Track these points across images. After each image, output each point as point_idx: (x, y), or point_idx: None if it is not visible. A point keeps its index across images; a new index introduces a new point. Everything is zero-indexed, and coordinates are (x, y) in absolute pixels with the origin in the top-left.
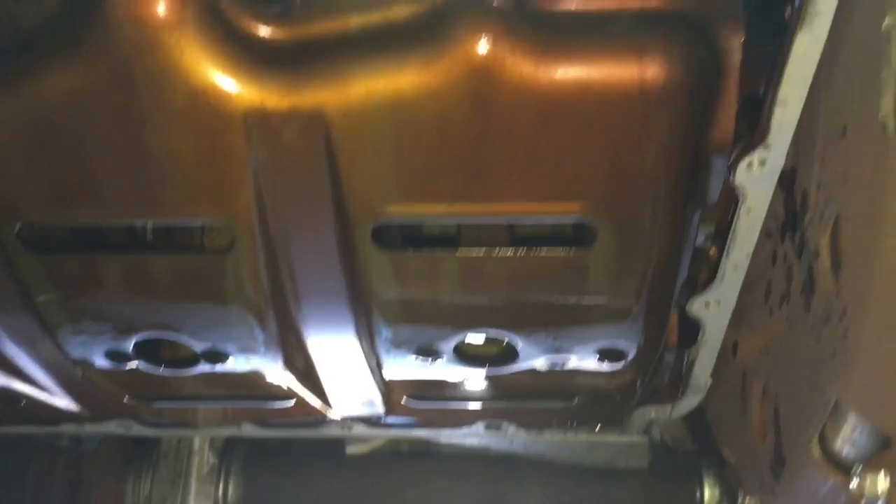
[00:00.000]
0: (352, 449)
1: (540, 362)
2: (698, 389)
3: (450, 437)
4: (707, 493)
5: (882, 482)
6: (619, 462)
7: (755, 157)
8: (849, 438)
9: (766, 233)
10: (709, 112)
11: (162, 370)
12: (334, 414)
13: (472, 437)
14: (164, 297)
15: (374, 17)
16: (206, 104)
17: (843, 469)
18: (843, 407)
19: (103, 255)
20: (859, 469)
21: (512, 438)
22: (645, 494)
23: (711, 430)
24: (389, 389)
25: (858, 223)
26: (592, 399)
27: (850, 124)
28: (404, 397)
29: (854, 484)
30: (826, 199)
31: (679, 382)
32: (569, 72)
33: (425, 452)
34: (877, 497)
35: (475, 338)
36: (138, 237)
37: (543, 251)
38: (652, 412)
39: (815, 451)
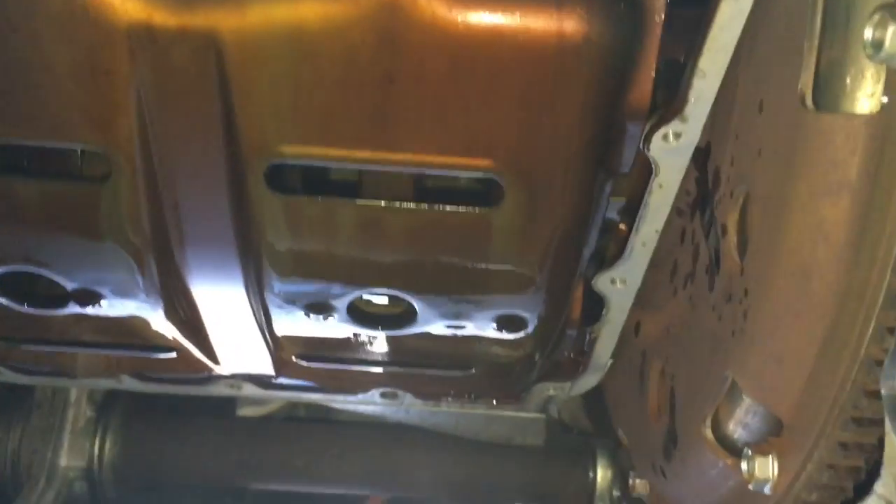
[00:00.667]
0: (245, 411)
1: (438, 327)
2: (598, 368)
3: (347, 404)
4: (600, 473)
5: (771, 466)
6: (515, 438)
7: (671, 128)
8: (741, 421)
9: (676, 211)
10: (626, 72)
11: (26, 308)
12: (221, 370)
13: (367, 404)
14: (31, 227)
15: None
16: (86, 15)
17: (735, 452)
18: (738, 388)
19: None
20: (749, 453)
21: (408, 408)
22: (538, 472)
23: (609, 411)
24: (279, 347)
25: (767, 201)
26: (490, 370)
27: (767, 98)
28: (294, 356)
29: (744, 467)
30: (738, 175)
31: (580, 360)
32: (484, 16)
33: (321, 419)
34: (766, 481)
35: (375, 298)
36: (6, 158)
37: (447, 208)
38: (550, 389)
39: (708, 432)
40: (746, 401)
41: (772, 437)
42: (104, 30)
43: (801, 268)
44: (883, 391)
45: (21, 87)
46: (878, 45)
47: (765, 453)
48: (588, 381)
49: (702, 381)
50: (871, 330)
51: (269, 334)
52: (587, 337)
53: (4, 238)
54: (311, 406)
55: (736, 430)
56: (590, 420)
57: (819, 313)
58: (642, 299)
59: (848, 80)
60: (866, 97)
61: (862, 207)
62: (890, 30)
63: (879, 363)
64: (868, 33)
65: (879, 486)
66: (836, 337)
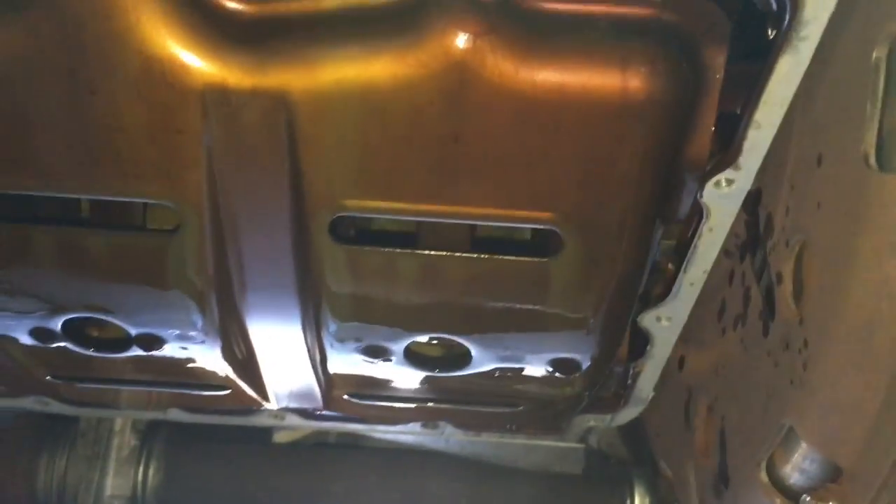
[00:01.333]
0: (279, 437)
1: (491, 368)
2: (640, 401)
3: (388, 433)
4: (637, 502)
5: None
6: (553, 466)
7: (724, 176)
8: (799, 466)
9: (724, 252)
10: (686, 129)
11: (91, 352)
12: (269, 405)
13: (407, 434)
14: (98, 277)
15: (352, 1)
16: (163, 76)
17: (790, 496)
18: (795, 434)
19: (35, 227)
20: (808, 499)
21: (448, 438)
22: (576, 500)
23: (648, 442)
24: (331, 385)
25: (827, 254)
26: (538, 406)
27: (826, 153)
28: (345, 394)
29: None
30: (793, 226)
31: (622, 393)
32: (550, 75)
33: (354, 445)
34: None
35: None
36: (76, 210)
37: (507, 258)
38: (591, 420)
39: (763, 475)
40: (804, 447)
41: (830, 483)
42: (179, 92)
43: (864, 323)
44: None
45: (98, 145)
46: None
47: (824, 500)
48: (629, 413)
49: (757, 423)
50: None
51: (323, 373)
52: (630, 371)
53: (72, 287)
54: (341, 432)
55: (792, 474)
56: (627, 449)
57: (882, 367)
58: (687, 336)
59: None
60: None
61: None
62: None
63: None
64: None
65: None
66: None
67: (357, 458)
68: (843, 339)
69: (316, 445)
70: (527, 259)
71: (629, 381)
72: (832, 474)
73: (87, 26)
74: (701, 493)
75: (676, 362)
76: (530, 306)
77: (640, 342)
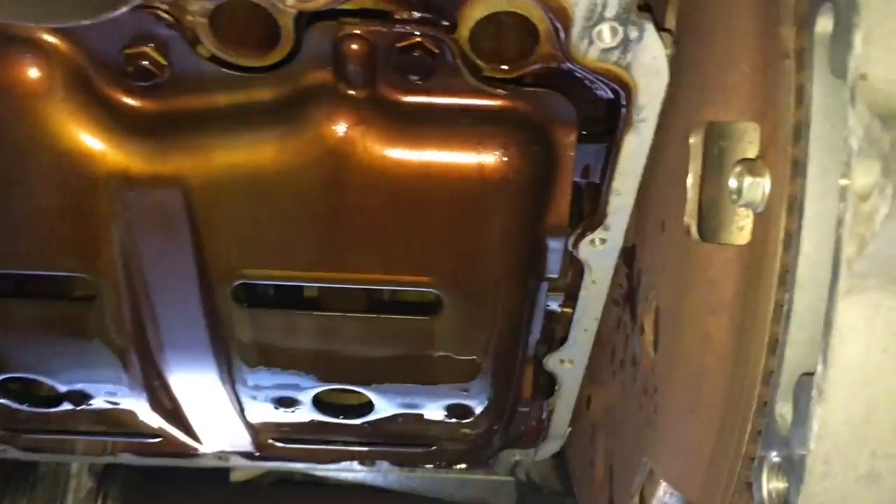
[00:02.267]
0: (237, 475)
1: (393, 414)
2: (558, 436)
3: (330, 471)
4: None
5: None
6: (488, 499)
7: (597, 235)
8: (661, 500)
9: (613, 301)
10: (544, 199)
11: (26, 408)
12: (206, 449)
13: (348, 472)
14: (28, 340)
15: (239, 96)
16: (72, 167)
17: None
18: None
19: None
20: None
21: (385, 475)
22: None
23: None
24: (256, 431)
25: (668, 311)
26: (452, 445)
27: (667, 221)
28: (271, 439)
29: None
30: (649, 282)
31: (541, 428)
32: (416, 157)
33: (312, 482)
34: None
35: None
36: (5, 281)
37: (394, 317)
38: (516, 454)
39: None
40: (663, 484)
41: None
42: (88, 179)
43: (694, 373)
44: (753, 490)
45: (18, 227)
46: (738, 192)
47: None
48: (550, 447)
49: (629, 461)
50: (748, 431)
51: (245, 421)
52: (545, 408)
53: (3, 349)
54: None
55: None
56: (560, 481)
57: (711, 414)
58: (592, 376)
59: (722, 217)
60: (738, 231)
61: (737, 325)
62: (746, 181)
63: (756, 460)
64: (732, 182)
65: None
66: (724, 435)
67: (310, 494)
68: (680, 388)
69: (269, 483)
70: (412, 317)
71: (545, 418)
72: None
73: (2, 126)
74: None
75: (585, 401)
76: (420, 359)
77: (550, 382)
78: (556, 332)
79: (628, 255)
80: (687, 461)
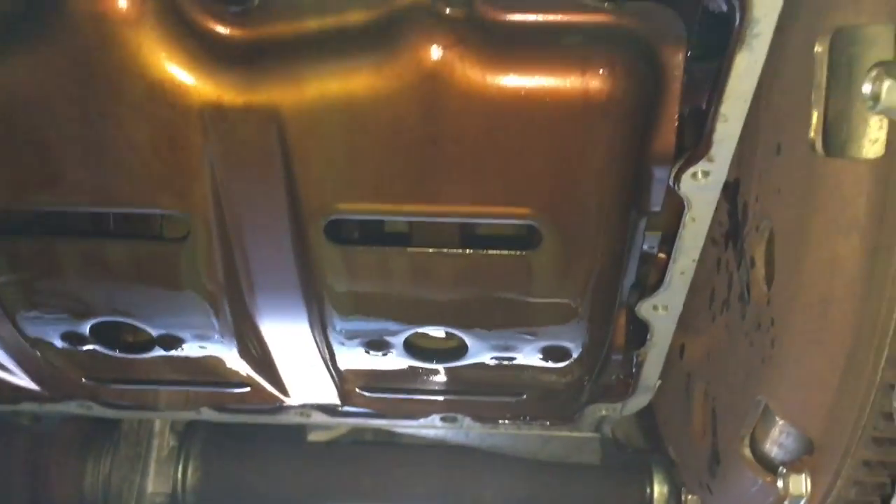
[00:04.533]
0: (314, 436)
1: (487, 358)
2: (647, 389)
3: (411, 427)
4: (657, 489)
5: (805, 484)
6: (571, 456)
7: (699, 168)
8: (777, 441)
9: (711, 240)
10: (650, 124)
11: (117, 353)
12: (291, 401)
13: (429, 428)
14: (120, 282)
15: (331, 21)
16: (164, 99)
17: (772, 470)
18: (771, 411)
19: (60, 240)
20: (784, 471)
21: (467, 431)
22: (596, 489)
23: (660, 429)
24: (343, 379)
25: (787, 237)
26: (541, 395)
27: (783, 142)
28: (357, 388)
29: (779, 484)
30: (762, 211)
31: (629, 382)
32: (515, 80)
33: (387, 442)
34: (800, 497)
35: (432, 331)
36: (97, 222)
37: (490, 252)
38: (603, 409)
39: (747, 451)
40: (780, 422)
41: (805, 455)
42: (180, 112)
43: (819, 300)
44: None
45: (111, 163)
46: (875, 97)
47: (798, 471)
48: (638, 401)
49: (739, 403)
50: (884, 357)
51: (334, 369)
52: (635, 360)
53: (96, 293)
54: (378, 430)
55: (772, 449)
56: (644, 438)
57: (838, 342)
58: (685, 323)
59: (852, 129)
60: (870, 144)
61: (870, 244)
62: (886, 84)
63: (894, 387)
64: (867, 88)
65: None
66: (855, 363)
67: (387, 454)
68: (802, 317)
69: (347, 443)
70: (509, 252)
71: (634, 370)
72: (807, 447)
73: (94, 58)
74: (699, 474)
75: (678, 350)
76: (517, 297)
77: (641, 331)
78: (650, 277)
79: (730, 191)
80: (810, 395)
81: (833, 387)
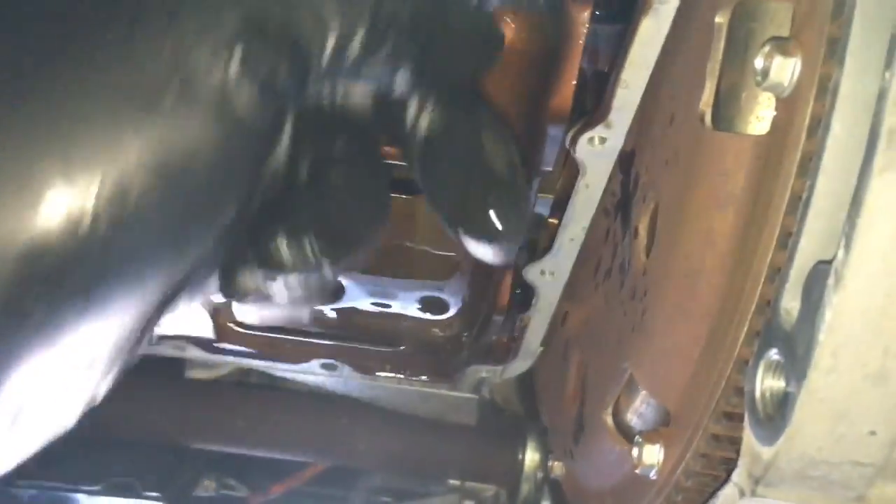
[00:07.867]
0: (194, 373)
1: (367, 304)
2: (529, 354)
3: (291, 372)
4: (528, 455)
5: (657, 454)
6: (449, 416)
7: (596, 133)
8: (637, 411)
9: (604, 211)
10: (548, 78)
11: None
12: (163, 330)
13: (308, 374)
14: None
15: None
16: None
17: (631, 439)
18: (635, 380)
19: None
20: (640, 440)
21: (346, 380)
22: (470, 450)
23: (537, 395)
24: (217, 312)
25: (670, 209)
26: (420, 348)
27: (677, 113)
28: (231, 322)
29: (634, 452)
30: (650, 182)
31: (511, 345)
32: None
33: (265, 385)
34: (651, 467)
35: None
36: None
37: None
38: (483, 371)
39: (609, 419)
40: (642, 392)
41: (662, 427)
42: None
43: (691, 272)
44: (745, 388)
45: None
46: (765, 73)
47: (653, 442)
48: (519, 366)
49: (607, 371)
50: (744, 333)
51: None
52: (518, 323)
53: None
54: (261, 374)
55: (633, 418)
56: (522, 403)
57: (703, 315)
58: (571, 292)
59: (742, 104)
60: (756, 120)
61: (743, 220)
62: (776, 60)
63: (748, 363)
64: (759, 62)
65: (735, 475)
66: (717, 337)
67: (262, 398)
68: (673, 288)
69: (224, 384)
70: (395, 195)
71: (517, 334)
72: (664, 418)
73: None
74: (565, 441)
75: (561, 318)
76: (398, 242)
77: (528, 295)
78: (541, 241)
79: (625, 161)
80: (671, 366)
81: (693, 359)
